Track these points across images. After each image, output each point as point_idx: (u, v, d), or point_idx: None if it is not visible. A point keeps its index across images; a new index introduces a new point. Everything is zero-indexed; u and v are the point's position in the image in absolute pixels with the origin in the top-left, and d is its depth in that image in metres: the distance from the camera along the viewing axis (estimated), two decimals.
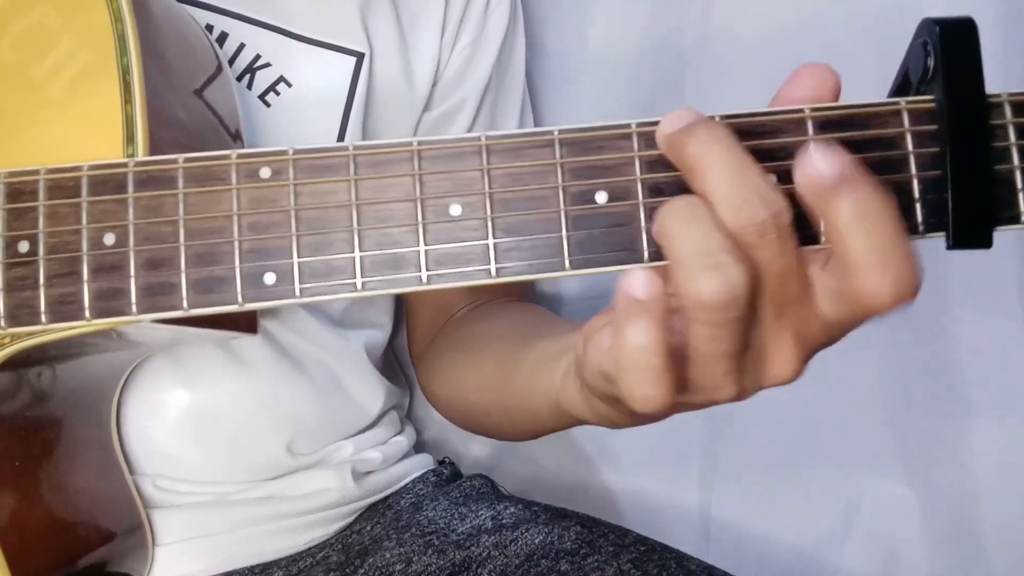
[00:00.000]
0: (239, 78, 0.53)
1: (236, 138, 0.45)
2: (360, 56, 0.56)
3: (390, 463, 0.63)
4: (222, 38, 0.53)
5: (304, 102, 0.55)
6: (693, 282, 0.30)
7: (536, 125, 0.74)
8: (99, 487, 0.47)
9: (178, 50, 0.42)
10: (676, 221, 0.32)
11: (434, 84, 0.61)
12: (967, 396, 0.64)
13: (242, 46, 0.53)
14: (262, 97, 0.54)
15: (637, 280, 0.31)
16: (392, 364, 0.72)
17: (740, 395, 0.35)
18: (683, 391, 0.33)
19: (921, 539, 0.67)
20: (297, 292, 0.36)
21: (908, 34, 0.62)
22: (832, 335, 0.34)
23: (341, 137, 0.56)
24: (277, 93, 0.54)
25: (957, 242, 0.34)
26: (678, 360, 0.32)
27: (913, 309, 0.66)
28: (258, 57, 0.54)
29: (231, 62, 0.53)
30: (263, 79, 0.54)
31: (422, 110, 0.61)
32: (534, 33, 0.73)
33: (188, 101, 0.42)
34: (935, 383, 0.66)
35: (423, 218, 0.35)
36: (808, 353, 0.34)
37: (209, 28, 0.53)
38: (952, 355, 0.65)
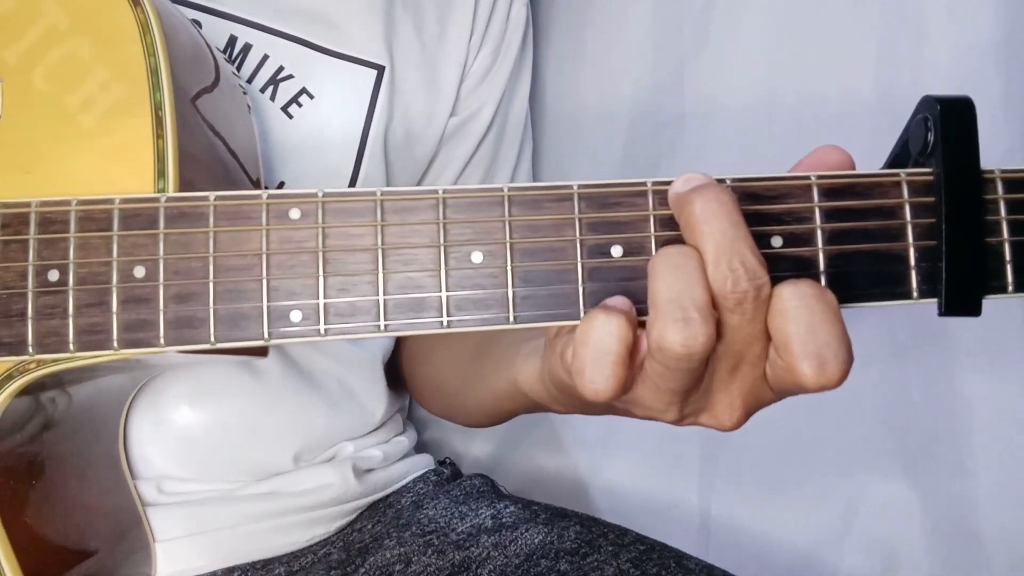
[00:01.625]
0: (263, 90, 0.54)
1: (256, 184, 0.46)
2: (381, 69, 0.57)
3: (391, 462, 0.64)
4: (245, 50, 0.54)
5: (326, 114, 0.56)
6: (659, 327, 0.33)
7: (537, 151, 0.76)
8: (106, 500, 0.48)
9: (206, 84, 0.43)
10: (664, 266, 0.34)
11: (459, 86, 0.62)
12: (966, 396, 0.65)
13: (266, 57, 0.54)
14: (285, 109, 0.55)
15: (618, 299, 0.35)
16: (395, 368, 0.73)
17: (679, 422, 0.38)
18: (630, 397, 0.36)
19: (921, 539, 0.67)
20: (322, 331, 0.37)
21: (907, 34, 0.63)
22: (776, 397, 0.37)
23: (361, 150, 0.57)
24: (299, 105, 0.55)
25: (948, 309, 0.36)
26: (634, 367, 0.35)
27: (913, 309, 0.67)
28: (281, 69, 0.54)
29: (255, 74, 0.54)
30: (286, 91, 0.55)
31: (448, 115, 0.62)
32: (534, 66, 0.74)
33: (213, 136, 0.43)
34: (934, 383, 0.66)
35: (446, 264, 0.37)
36: (752, 408, 0.37)
37: (233, 40, 0.54)
38: (952, 355, 0.65)
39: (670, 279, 0.33)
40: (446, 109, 0.62)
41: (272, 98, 0.55)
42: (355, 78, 0.57)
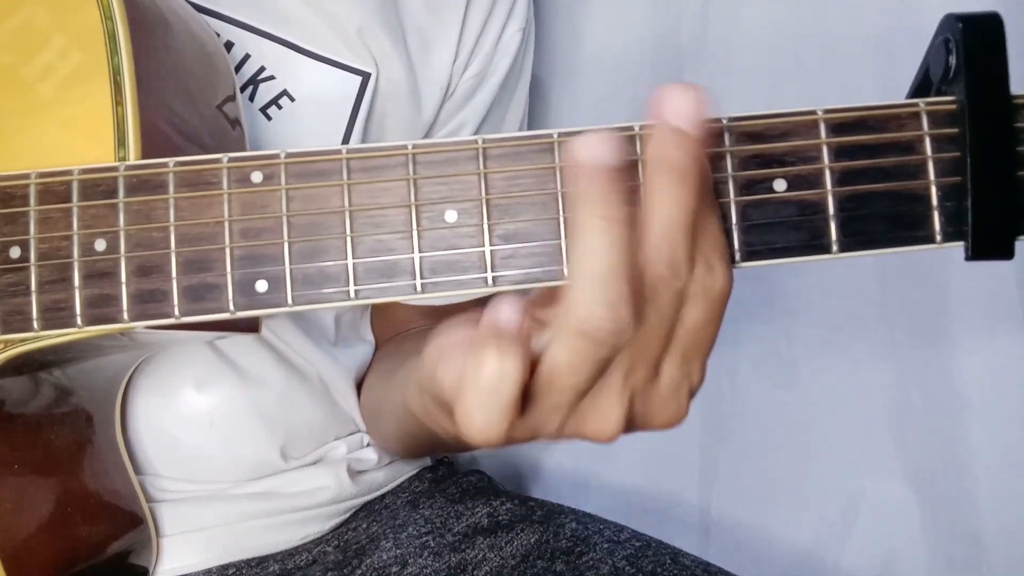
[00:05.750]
0: (242, 89, 0.52)
1: (235, 125, 0.44)
2: (367, 76, 0.54)
3: (385, 462, 0.62)
4: (227, 47, 0.52)
5: (306, 118, 0.53)
6: (587, 303, 0.29)
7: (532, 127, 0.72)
8: (103, 486, 0.47)
9: (177, 49, 0.41)
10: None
11: (439, 107, 0.59)
12: (966, 396, 0.64)
13: (247, 56, 0.52)
14: (263, 110, 0.53)
15: (508, 304, 0.31)
16: None
17: (557, 434, 0.33)
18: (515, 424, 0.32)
19: (921, 539, 0.67)
20: (289, 300, 0.35)
21: (907, 32, 0.61)
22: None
23: None
24: (279, 107, 0.53)
25: (976, 252, 0.32)
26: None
27: (913, 309, 0.66)
28: (262, 69, 0.52)
29: (234, 72, 0.52)
30: (266, 92, 0.52)
31: (423, 136, 0.59)
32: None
33: (185, 102, 0.41)
34: (934, 383, 0.65)
35: (418, 224, 0.34)
36: (629, 423, 0.33)
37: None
38: (951, 355, 0.64)
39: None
40: (423, 127, 0.59)
41: (251, 98, 0.53)
42: (339, 83, 0.54)
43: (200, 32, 0.45)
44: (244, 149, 0.46)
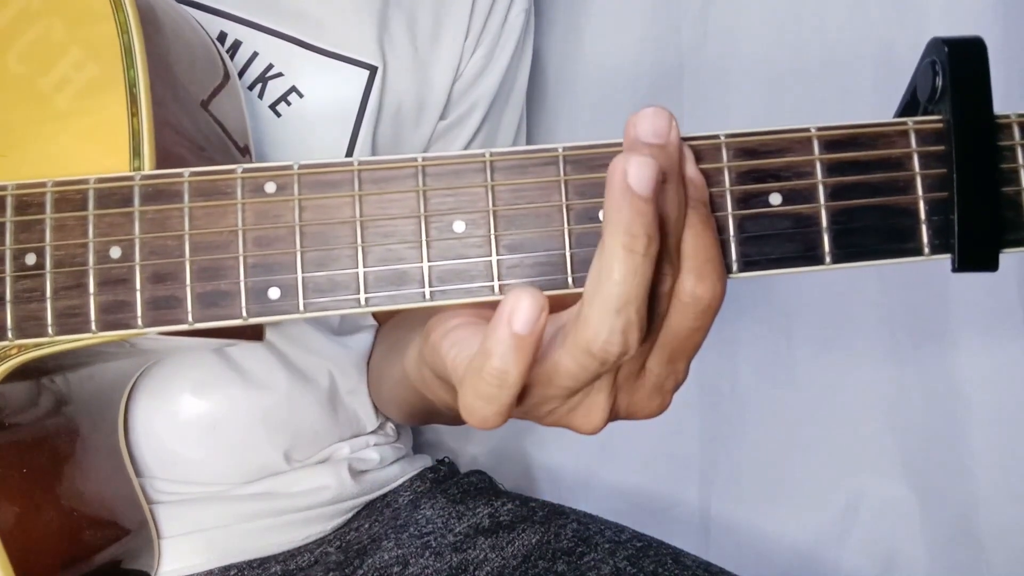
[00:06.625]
0: (251, 87, 0.53)
1: (244, 152, 0.45)
2: (373, 69, 0.55)
3: (387, 463, 0.63)
4: (235, 46, 0.53)
5: (315, 114, 0.54)
6: (597, 326, 0.30)
7: (532, 132, 0.74)
8: (106, 491, 0.47)
9: (186, 62, 0.42)
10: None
11: (451, 89, 0.61)
12: (966, 396, 0.64)
13: (255, 55, 0.53)
14: (273, 107, 0.54)
15: (524, 312, 0.29)
16: None
17: (543, 420, 0.35)
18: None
19: (921, 539, 0.67)
20: (301, 307, 0.36)
21: (907, 35, 0.63)
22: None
23: (351, 150, 0.56)
24: (288, 104, 0.54)
25: (963, 264, 0.34)
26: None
27: (913, 309, 0.67)
28: (271, 67, 0.53)
29: (243, 71, 0.53)
30: (275, 89, 0.54)
31: (438, 118, 0.61)
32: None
33: (196, 114, 0.42)
34: (934, 383, 0.66)
35: (427, 235, 0.35)
36: (613, 415, 0.35)
37: (223, 36, 0.53)
38: (951, 355, 0.65)
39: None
40: (436, 112, 0.60)
41: (260, 96, 0.54)
42: (347, 78, 0.55)
43: (195, 38, 0.46)
44: (248, 150, 0.47)
